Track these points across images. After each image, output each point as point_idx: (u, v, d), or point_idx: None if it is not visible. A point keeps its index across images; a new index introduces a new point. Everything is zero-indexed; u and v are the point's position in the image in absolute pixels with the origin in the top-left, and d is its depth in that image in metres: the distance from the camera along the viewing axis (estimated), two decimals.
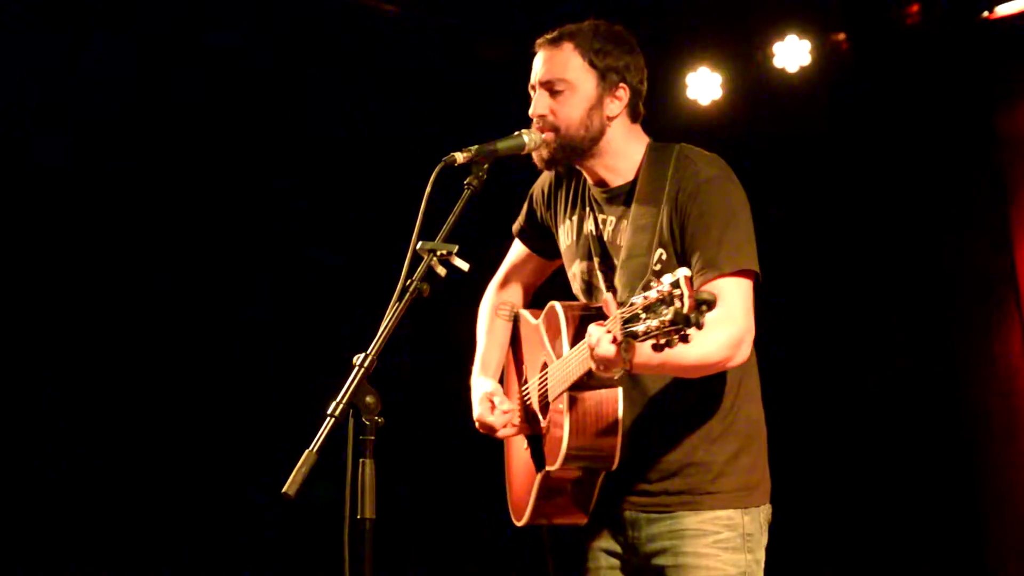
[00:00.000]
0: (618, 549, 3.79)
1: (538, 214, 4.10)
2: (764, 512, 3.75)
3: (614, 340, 3.13)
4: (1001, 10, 6.60)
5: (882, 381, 7.15)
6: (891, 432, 7.09)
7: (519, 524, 3.99)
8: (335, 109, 7.10)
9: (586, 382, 3.49)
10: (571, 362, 3.53)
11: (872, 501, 7.09)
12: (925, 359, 7.08)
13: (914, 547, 6.95)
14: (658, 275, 3.03)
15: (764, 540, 3.74)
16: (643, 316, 2.99)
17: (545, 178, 4.04)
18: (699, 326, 2.89)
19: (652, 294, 2.97)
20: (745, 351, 3.52)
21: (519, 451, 4.01)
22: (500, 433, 3.96)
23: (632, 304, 3.03)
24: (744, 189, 3.70)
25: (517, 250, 4.26)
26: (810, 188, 7.25)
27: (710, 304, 2.90)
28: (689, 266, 3.50)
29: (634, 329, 3.01)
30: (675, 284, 2.91)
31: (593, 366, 3.30)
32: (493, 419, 3.94)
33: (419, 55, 7.18)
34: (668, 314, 2.91)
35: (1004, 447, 6.82)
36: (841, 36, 7.10)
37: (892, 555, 6.99)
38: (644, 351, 3.11)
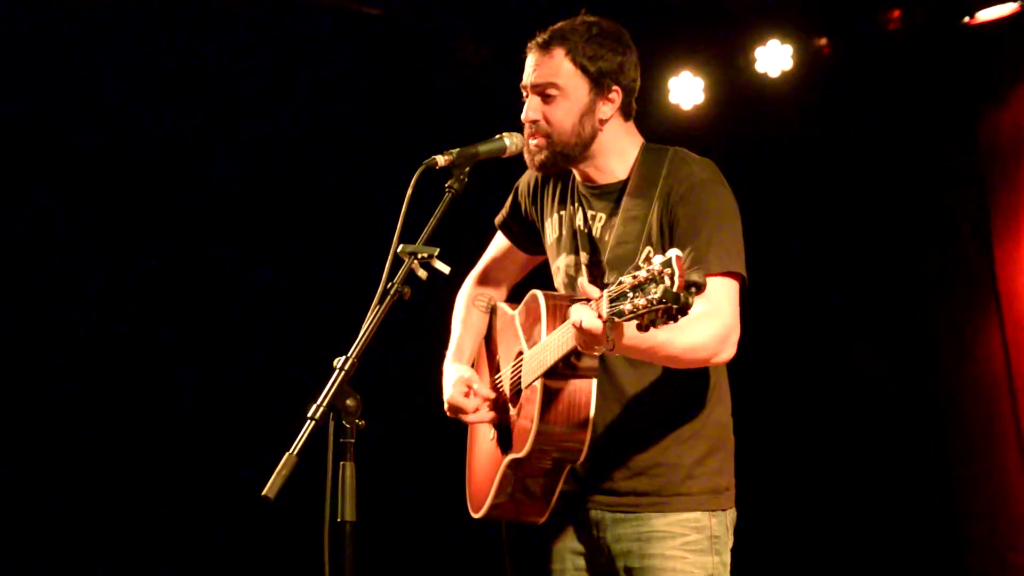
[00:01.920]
0: (583, 549, 3.78)
1: (523, 207, 4.08)
2: (731, 516, 3.76)
3: (599, 316, 3.11)
4: (982, 15, 6.61)
5: (862, 384, 7.18)
6: (871, 435, 7.11)
7: (476, 516, 3.96)
8: (316, 111, 7.09)
9: (561, 369, 3.47)
10: (549, 346, 3.51)
11: (850, 504, 7.11)
12: (905, 362, 7.10)
13: (892, 550, 6.97)
14: (647, 260, 3.02)
15: (730, 543, 3.75)
16: (630, 295, 2.97)
17: (531, 172, 4.01)
18: (687, 306, 2.88)
19: (641, 273, 2.95)
20: (731, 349, 3.51)
21: (484, 441, 3.98)
22: (470, 417, 3.91)
23: (620, 283, 3.01)
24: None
25: (499, 243, 4.24)
26: (792, 193, 7.26)
27: (699, 287, 2.89)
28: None
29: (621, 307, 2.99)
30: (666, 263, 2.90)
31: (576, 344, 3.27)
32: (467, 401, 3.89)
33: (400, 57, 7.17)
34: (656, 292, 2.89)
35: (984, 450, 6.83)
36: (823, 41, 7.10)
37: (870, 559, 7.01)
38: (630, 332, 3.11)
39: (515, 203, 4.11)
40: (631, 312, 2.96)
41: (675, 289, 2.87)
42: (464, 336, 4.17)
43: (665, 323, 2.94)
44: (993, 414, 6.77)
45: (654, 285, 2.91)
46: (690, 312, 3.01)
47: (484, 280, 4.27)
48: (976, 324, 6.88)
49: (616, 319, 3.02)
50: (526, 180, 4.07)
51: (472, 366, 4.10)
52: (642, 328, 2.97)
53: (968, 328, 6.93)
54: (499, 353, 4.05)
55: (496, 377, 4.00)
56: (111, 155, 6.77)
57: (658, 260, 2.93)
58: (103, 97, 6.68)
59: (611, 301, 3.03)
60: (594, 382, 3.55)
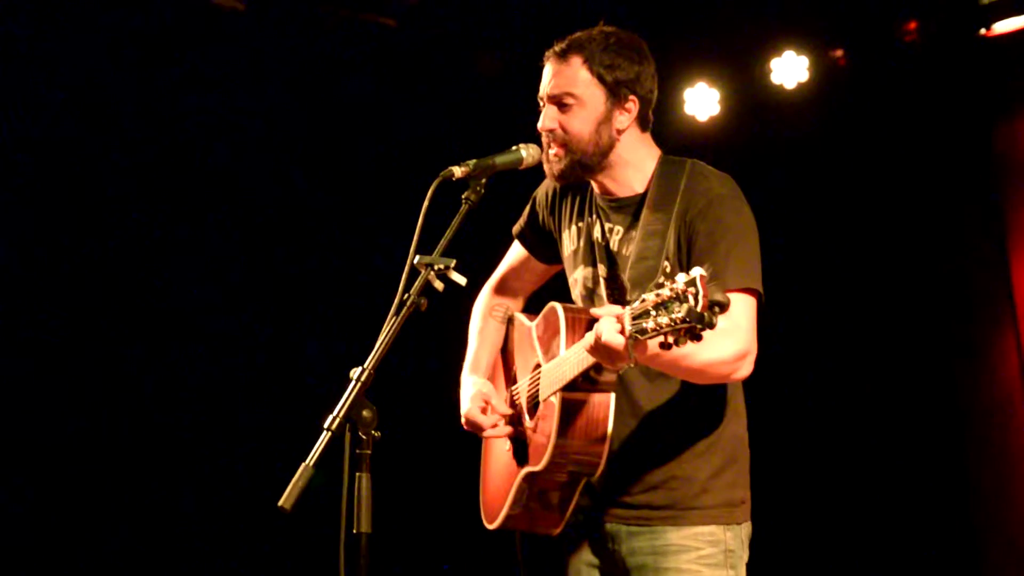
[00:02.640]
0: (598, 562, 3.77)
1: (540, 217, 4.07)
2: (746, 529, 3.75)
3: (622, 331, 3.11)
4: (999, 27, 6.61)
5: (880, 397, 7.15)
6: (888, 447, 7.09)
7: (491, 527, 3.95)
8: (334, 123, 7.11)
9: (580, 383, 3.48)
10: (568, 361, 3.51)
11: (867, 516, 7.09)
12: (922, 375, 7.07)
13: (910, 561, 6.95)
14: (668, 277, 3.02)
15: (745, 557, 3.73)
16: (653, 313, 2.97)
17: (549, 182, 4.00)
18: (711, 326, 2.89)
19: (665, 291, 2.96)
20: (749, 366, 3.50)
21: (500, 452, 3.97)
22: (487, 433, 3.91)
23: (643, 300, 3.02)
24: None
25: (515, 252, 4.22)
26: (808, 204, 7.25)
27: (723, 306, 2.90)
28: None
29: (644, 325, 3.00)
30: (690, 283, 2.91)
31: (597, 360, 3.27)
32: (484, 418, 3.89)
33: (417, 68, 7.19)
34: (680, 311, 2.90)
35: (1001, 462, 6.82)
36: (839, 52, 7.10)
37: (887, 570, 6.99)
38: (651, 349, 3.11)
39: (533, 213, 4.10)
40: (654, 330, 2.98)
41: (699, 309, 2.88)
42: (481, 347, 4.16)
43: (687, 342, 2.94)
44: (1010, 425, 6.76)
45: (677, 304, 2.92)
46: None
47: (501, 289, 4.26)
48: (992, 336, 6.87)
49: (639, 336, 3.02)
50: (544, 190, 4.06)
51: (489, 377, 4.09)
52: (664, 346, 2.99)
53: (984, 340, 6.92)
54: (516, 364, 4.05)
55: (513, 389, 4.00)
56: (130, 164, 6.80)
57: (682, 279, 2.93)
58: (123, 108, 6.71)
59: (634, 319, 3.04)
60: (612, 396, 3.55)
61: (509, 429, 3.90)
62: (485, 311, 4.23)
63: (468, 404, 3.94)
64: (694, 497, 3.66)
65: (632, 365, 3.16)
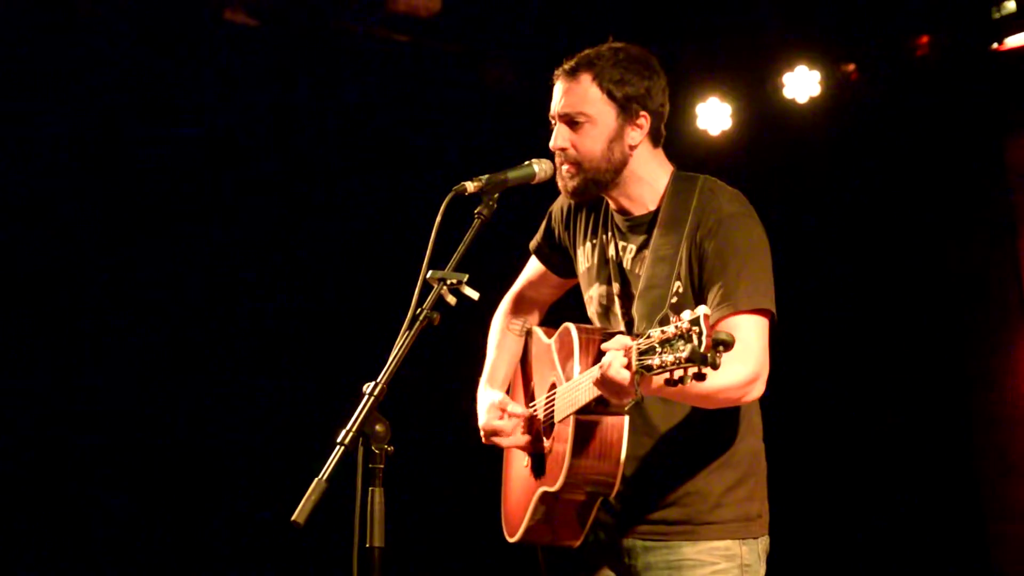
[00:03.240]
0: None
1: (556, 233, 4.07)
2: (763, 543, 3.74)
3: (628, 367, 3.13)
4: (1011, 42, 6.60)
5: (893, 405, 7.15)
6: (901, 450, 7.08)
7: (511, 540, 3.95)
8: (346, 138, 7.13)
9: (594, 407, 3.48)
10: (581, 386, 3.51)
11: (880, 522, 7.09)
12: (935, 383, 7.07)
13: (923, 569, 6.93)
14: (675, 309, 3.04)
15: (763, 571, 3.73)
16: (659, 350, 3.01)
17: (565, 198, 3.99)
18: (715, 366, 2.91)
19: (670, 329, 2.98)
20: (760, 388, 3.50)
21: (519, 467, 3.97)
22: (506, 441, 3.90)
23: (649, 336, 3.04)
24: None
25: (533, 267, 4.23)
26: (820, 218, 7.26)
27: (727, 345, 2.92)
28: (706, 301, 3.50)
29: (649, 362, 3.03)
30: (694, 321, 2.93)
31: (603, 392, 3.29)
32: (502, 424, 3.88)
33: (430, 83, 7.20)
34: (685, 351, 2.93)
35: (1014, 465, 6.81)
36: (851, 67, 7.10)
37: (899, 567, 6.98)
38: (656, 384, 3.14)
39: (549, 228, 4.11)
40: (659, 368, 3.01)
41: (703, 349, 2.91)
42: (499, 360, 4.17)
43: (692, 380, 2.96)
44: (1022, 431, 6.75)
45: (682, 343, 2.95)
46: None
47: (519, 303, 4.27)
48: (1005, 345, 6.87)
49: (644, 372, 3.05)
50: (559, 206, 4.06)
51: (507, 391, 4.09)
52: (671, 383, 3.01)
53: (997, 349, 6.92)
54: (534, 380, 4.05)
55: (531, 405, 4.00)
56: (139, 175, 6.81)
57: (687, 316, 2.96)
58: (131, 118, 6.74)
59: (640, 354, 3.06)
60: (626, 419, 3.55)
61: (527, 438, 3.89)
62: (503, 325, 4.23)
63: (485, 415, 3.95)
64: (709, 512, 3.66)
65: (639, 399, 3.18)
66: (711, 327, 2.91)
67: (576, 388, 3.55)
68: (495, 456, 4.12)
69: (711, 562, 3.63)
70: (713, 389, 3.37)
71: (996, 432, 6.91)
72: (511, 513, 4.00)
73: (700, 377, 2.95)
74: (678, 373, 2.97)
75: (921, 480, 7.03)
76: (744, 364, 3.43)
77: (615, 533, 3.73)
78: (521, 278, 4.28)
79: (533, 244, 4.19)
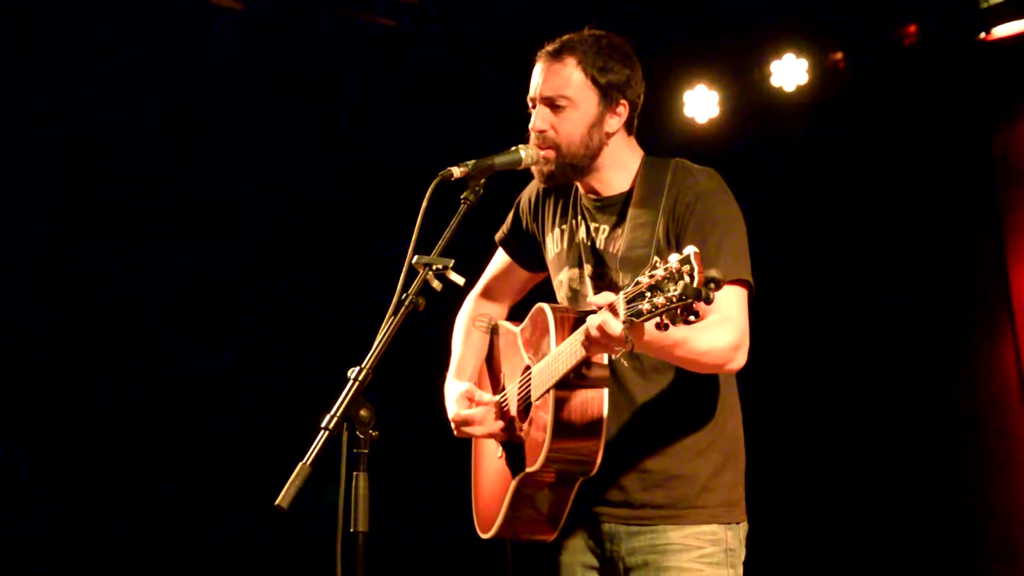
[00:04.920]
0: (596, 563, 3.76)
1: (524, 223, 4.06)
2: (743, 528, 3.76)
3: (617, 315, 3.11)
4: (999, 31, 6.61)
5: (877, 397, 7.15)
6: (885, 448, 7.09)
7: (485, 536, 3.92)
8: (331, 123, 7.11)
9: (573, 380, 3.46)
10: (560, 356, 3.49)
11: (863, 516, 7.09)
12: (919, 376, 7.07)
13: (907, 561, 6.95)
14: (662, 259, 3.01)
15: (743, 556, 3.73)
16: (648, 295, 2.98)
17: (532, 187, 4.01)
18: (708, 301, 2.89)
19: (659, 272, 2.96)
20: (743, 357, 3.51)
21: (491, 459, 3.94)
22: (478, 429, 3.85)
23: (637, 283, 3.02)
24: (740, 206, 3.70)
25: (499, 260, 4.21)
26: (807, 206, 7.25)
27: (718, 283, 2.91)
28: None
29: (639, 307, 3.00)
30: (684, 260, 2.92)
31: (594, 351, 3.26)
32: (472, 412, 3.85)
33: (416, 68, 7.19)
34: (676, 289, 2.90)
35: (998, 464, 6.81)
36: (839, 55, 7.10)
37: (883, 569, 6.99)
38: (648, 332, 3.13)
39: (516, 219, 4.10)
40: (649, 312, 2.98)
41: (696, 285, 2.88)
42: (465, 354, 4.14)
43: (684, 320, 2.95)
44: (1007, 428, 6.76)
45: (673, 283, 2.92)
46: (706, 316, 3.04)
47: (485, 298, 4.24)
48: (990, 338, 6.87)
49: (635, 320, 3.02)
50: (527, 196, 4.06)
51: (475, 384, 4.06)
52: (661, 327, 2.99)
53: (982, 342, 6.92)
54: (503, 371, 4.03)
55: (502, 395, 3.96)
56: (130, 167, 6.80)
57: (675, 258, 2.94)
58: (121, 110, 6.72)
59: (628, 302, 3.04)
60: (606, 392, 3.53)
61: (500, 424, 3.85)
62: (469, 320, 4.20)
63: (454, 406, 3.92)
64: (696, 496, 3.66)
65: (629, 350, 3.16)
66: (701, 264, 2.90)
67: (555, 360, 3.52)
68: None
69: (698, 546, 3.63)
70: (700, 350, 3.40)
71: (979, 420, 6.91)
72: (484, 508, 3.96)
73: (694, 314, 2.92)
74: (669, 315, 2.94)
75: (902, 470, 7.04)
76: (727, 332, 3.45)
77: (595, 519, 3.72)
78: (487, 273, 4.25)
79: (499, 236, 4.17)
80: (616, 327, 3.13)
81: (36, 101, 6.52)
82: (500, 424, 3.86)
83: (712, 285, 2.90)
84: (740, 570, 3.71)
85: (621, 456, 3.65)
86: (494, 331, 4.16)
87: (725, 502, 3.70)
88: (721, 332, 3.42)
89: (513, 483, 3.73)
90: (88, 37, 6.54)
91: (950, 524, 6.90)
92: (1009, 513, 6.75)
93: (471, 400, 3.89)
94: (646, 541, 3.66)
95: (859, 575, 7.05)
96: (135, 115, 6.75)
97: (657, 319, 2.98)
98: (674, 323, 2.96)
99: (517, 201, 4.10)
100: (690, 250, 2.92)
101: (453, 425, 3.92)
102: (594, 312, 3.22)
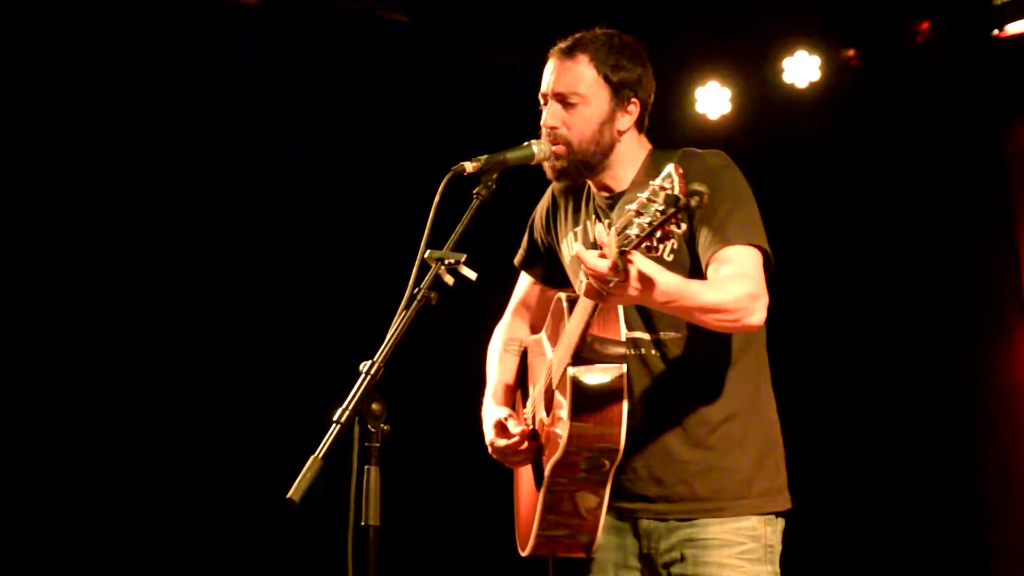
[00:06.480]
0: (636, 564, 3.71)
1: (539, 241, 4.06)
2: (781, 524, 3.71)
3: (605, 248, 3.09)
4: (1011, 28, 6.60)
5: (890, 392, 7.15)
6: (898, 443, 7.09)
7: (524, 554, 3.86)
8: (344, 117, 7.12)
9: (586, 354, 3.43)
10: (573, 322, 3.47)
11: (874, 511, 7.09)
12: (933, 372, 7.08)
13: (919, 558, 6.95)
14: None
15: (779, 551, 3.69)
16: (636, 220, 2.94)
17: (543, 203, 4.02)
18: (691, 210, 2.85)
19: (643, 196, 2.93)
20: (761, 312, 3.43)
21: (526, 478, 3.91)
22: (512, 462, 3.85)
23: (626, 211, 2.99)
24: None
25: (523, 283, 4.20)
26: (818, 204, 7.26)
27: (702, 196, 2.86)
28: (698, 245, 3.50)
29: (628, 233, 2.97)
30: (665, 177, 2.89)
31: (596, 288, 3.18)
32: (505, 443, 3.82)
33: (429, 64, 7.19)
34: (658, 202, 2.87)
35: (1010, 458, 6.82)
36: (851, 52, 7.11)
37: (895, 568, 6.98)
38: (646, 268, 3.10)
39: (531, 240, 4.10)
40: (639, 236, 2.94)
41: (676, 192, 2.85)
42: (500, 378, 4.11)
43: (678, 230, 2.90)
44: (1019, 421, 6.77)
45: (656, 200, 2.89)
46: (720, 271, 3.14)
47: (514, 324, 4.21)
48: (1003, 334, 6.87)
49: (627, 248, 2.99)
50: (538, 214, 4.06)
51: (513, 407, 4.03)
52: (653, 249, 2.95)
53: (994, 338, 6.93)
54: (533, 381, 3.99)
55: (528, 410, 3.94)
56: (134, 160, 6.81)
57: (655, 180, 2.92)
58: (127, 101, 6.73)
59: (619, 233, 3.01)
60: (624, 367, 3.47)
61: (532, 445, 3.81)
62: (501, 347, 4.18)
63: (490, 433, 3.90)
64: (738, 488, 3.62)
65: (623, 279, 3.09)
66: (684, 184, 2.85)
67: (569, 333, 3.50)
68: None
69: (739, 542, 3.59)
70: (714, 301, 3.33)
71: (992, 412, 6.92)
72: (523, 524, 3.92)
73: (678, 224, 2.87)
74: (659, 231, 2.90)
75: (914, 462, 7.04)
76: (744, 283, 3.40)
77: (631, 517, 3.68)
78: (513, 299, 4.23)
79: (518, 260, 4.17)
80: (607, 262, 3.08)
81: (36, 99, 6.53)
82: (533, 445, 3.81)
83: (695, 196, 2.85)
84: (777, 566, 3.66)
85: (655, 448, 3.62)
86: (525, 350, 4.14)
87: (767, 492, 3.66)
88: (737, 283, 3.37)
89: (541, 492, 3.68)
90: (92, 33, 6.55)
91: (963, 519, 6.91)
92: (1020, 503, 6.76)
93: (505, 429, 3.85)
94: (685, 535, 3.61)
95: (872, 570, 7.05)
96: (136, 111, 6.75)
97: (648, 240, 2.93)
98: (667, 239, 2.92)
99: (530, 222, 4.11)
100: (669, 167, 2.90)
101: (489, 450, 3.91)
102: None
